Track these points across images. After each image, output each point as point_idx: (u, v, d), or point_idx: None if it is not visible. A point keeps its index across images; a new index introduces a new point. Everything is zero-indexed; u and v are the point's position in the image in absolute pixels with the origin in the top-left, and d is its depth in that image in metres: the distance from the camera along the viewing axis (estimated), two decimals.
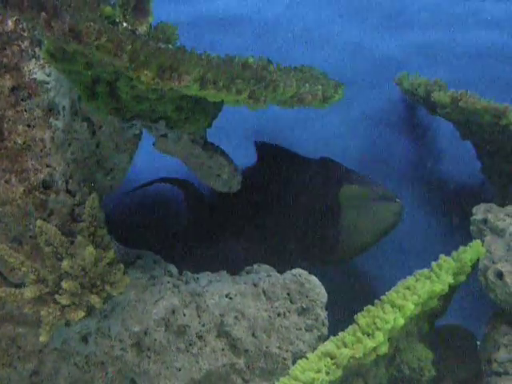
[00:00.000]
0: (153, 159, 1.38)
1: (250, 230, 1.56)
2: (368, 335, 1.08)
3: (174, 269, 1.32)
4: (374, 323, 1.09)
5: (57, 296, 1.10)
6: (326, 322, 1.24)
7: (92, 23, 0.93)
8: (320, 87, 1.15)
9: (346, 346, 1.08)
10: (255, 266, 1.33)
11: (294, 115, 1.54)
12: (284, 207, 1.49)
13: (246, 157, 1.57)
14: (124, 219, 1.63)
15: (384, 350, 1.08)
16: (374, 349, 1.07)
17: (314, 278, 1.26)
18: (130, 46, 0.94)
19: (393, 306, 1.13)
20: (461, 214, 1.41)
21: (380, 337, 1.07)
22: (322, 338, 1.22)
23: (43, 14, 0.93)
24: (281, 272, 1.29)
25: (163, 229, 1.66)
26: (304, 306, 1.23)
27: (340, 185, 1.41)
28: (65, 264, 1.10)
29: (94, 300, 1.11)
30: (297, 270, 1.27)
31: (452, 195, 1.54)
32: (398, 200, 1.38)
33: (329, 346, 1.09)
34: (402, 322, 1.10)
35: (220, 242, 1.62)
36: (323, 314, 1.24)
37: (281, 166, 1.52)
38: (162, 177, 1.62)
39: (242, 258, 1.47)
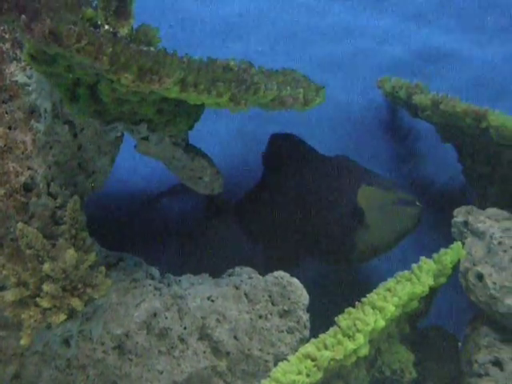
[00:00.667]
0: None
1: (265, 231, 1.56)
2: (349, 337, 1.09)
3: (155, 271, 1.32)
4: (355, 325, 1.10)
5: (38, 299, 1.09)
6: (308, 324, 1.24)
7: (72, 26, 0.93)
8: (301, 90, 1.15)
9: (326, 347, 1.08)
10: (237, 269, 1.33)
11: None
12: (300, 206, 1.47)
13: None
14: (108, 221, 1.62)
15: (364, 351, 1.08)
16: (355, 351, 1.07)
17: (295, 281, 1.26)
18: (110, 49, 0.95)
19: (373, 307, 1.13)
20: (442, 216, 1.41)
21: (360, 339, 1.07)
22: (304, 341, 1.22)
23: (23, 16, 0.93)
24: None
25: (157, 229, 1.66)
26: (286, 309, 1.23)
27: (359, 185, 1.39)
28: (46, 267, 1.09)
29: (76, 303, 1.10)
30: (278, 273, 1.27)
31: (433, 197, 1.55)
32: (418, 203, 1.36)
33: (309, 348, 1.09)
34: (382, 323, 1.10)
35: (237, 244, 1.62)
36: (305, 317, 1.24)
37: (297, 162, 1.50)
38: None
39: (259, 259, 1.46)
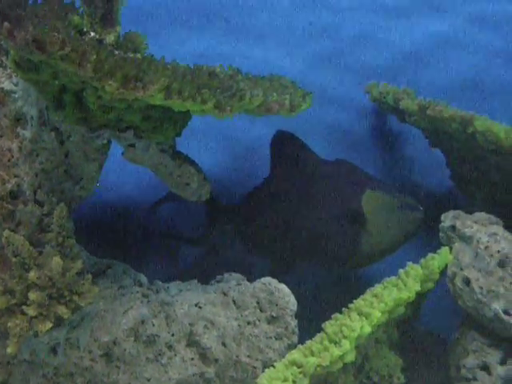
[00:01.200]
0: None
1: (267, 235, 1.55)
2: (335, 343, 1.09)
3: (144, 278, 1.31)
4: (341, 331, 1.10)
5: (24, 307, 1.09)
6: (296, 330, 1.24)
7: (56, 33, 0.93)
8: (287, 96, 1.15)
9: (313, 354, 1.08)
10: (226, 275, 1.33)
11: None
12: (304, 211, 1.47)
13: None
14: (97, 227, 1.62)
15: (351, 358, 1.08)
16: (341, 357, 1.07)
17: (283, 287, 1.26)
18: (94, 56, 0.95)
19: (360, 313, 1.13)
20: (430, 220, 1.41)
21: (346, 345, 1.07)
22: (292, 347, 1.22)
23: (6, 23, 0.93)
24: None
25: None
26: (274, 315, 1.23)
27: (363, 190, 1.40)
28: (32, 275, 1.09)
29: (62, 311, 1.10)
30: (266, 279, 1.27)
31: (422, 202, 1.54)
32: (420, 208, 1.37)
33: (296, 354, 1.09)
34: (368, 329, 1.10)
35: (238, 251, 1.62)
36: (293, 323, 1.24)
37: (299, 165, 1.50)
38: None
39: (259, 264, 1.46)
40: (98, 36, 1.11)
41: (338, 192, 1.42)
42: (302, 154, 1.51)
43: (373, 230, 1.38)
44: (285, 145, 1.54)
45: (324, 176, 1.46)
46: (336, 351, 1.06)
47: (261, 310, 1.24)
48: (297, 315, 1.25)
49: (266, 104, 1.11)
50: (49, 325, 1.09)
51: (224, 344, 1.21)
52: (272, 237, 1.52)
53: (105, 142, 1.24)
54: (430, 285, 1.26)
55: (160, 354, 1.20)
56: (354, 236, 1.39)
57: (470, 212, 1.36)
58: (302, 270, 1.52)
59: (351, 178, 1.43)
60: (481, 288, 1.21)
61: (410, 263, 1.26)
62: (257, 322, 1.23)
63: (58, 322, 1.13)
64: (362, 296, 1.19)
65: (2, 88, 1.20)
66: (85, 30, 1.11)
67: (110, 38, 1.12)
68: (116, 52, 1.04)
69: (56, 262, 1.09)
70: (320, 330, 1.16)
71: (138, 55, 1.11)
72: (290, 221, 1.48)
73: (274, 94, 1.13)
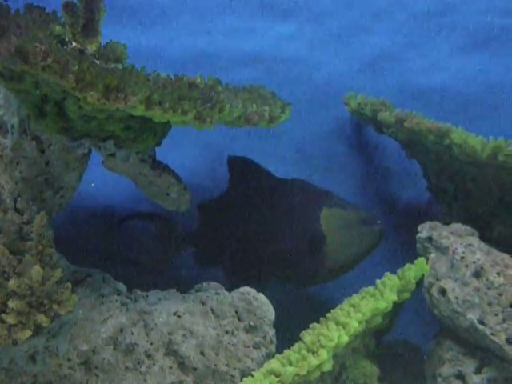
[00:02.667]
0: None
1: (227, 256, 1.57)
2: (313, 353, 1.10)
3: (122, 287, 1.32)
4: (319, 341, 1.11)
5: (3, 315, 1.09)
6: (274, 339, 1.25)
7: (39, 44, 0.93)
8: (267, 108, 1.17)
9: (290, 363, 1.09)
10: (204, 284, 1.34)
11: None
12: (262, 231, 1.49)
13: None
14: (77, 236, 1.63)
15: (328, 367, 1.09)
16: (318, 366, 1.08)
17: (261, 296, 1.27)
18: (76, 67, 0.95)
19: (337, 323, 1.15)
20: (407, 231, 1.43)
21: (324, 354, 1.08)
22: (271, 356, 1.23)
23: None
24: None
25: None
26: (252, 324, 1.24)
27: (321, 208, 1.42)
28: (11, 283, 1.09)
29: (42, 319, 1.10)
30: (244, 289, 1.28)
31: (399, 213, 1.56)
32: (379, 222, 1.40)
33: (274, 363, 1.10)
34: (346, 339, 1.12)
35: (198, 270, 1.63)
36: (271, 332, 1.25)
37: (256, 186, 1.51)
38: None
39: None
40: (79, 46, 1.11)
41: (296, 211, 1.45)
42: (257, 173, 1.53)
43: (332, 247, 1.42)
44: (240, 166, 1.56)
45: (281, 195, 1.49)
46: (314, 360, 1.07)
47: (239, 320, 1.25)
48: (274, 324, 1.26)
49: (246, 115, 1.13)
50: (28, 333, 1.09)
51: (202, 353, 1.21)
52: (233, 256, 1.53)
53: (85, 151, 1.24)
54: (407, 295, 1.27)
55: (139, 363, 1.20)
56: (314, 254, 1.41)
57: (447, 223, 1.38)
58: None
59: (308, 196, 1.46)
60: (456, 298, 1.23)
61: (387, 273, 1.28)
62: (235, 332, 1.24)
63: (38, 330, 1.12)
64: (339, 305, 1.21)
65: None
66: (66, 39, 1.12)
67: (91, 48, 1.13)
68: (97, 62, 1.05)
69: (36, 270, 1.09)
70: (298, 339, 1.17)
71: (120, 65, 1.12)
72: (250, 240, 1.50)
73: (254, 106, 1.15)
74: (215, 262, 1.59)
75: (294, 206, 1.45)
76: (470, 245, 1.28)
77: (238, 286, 1.30)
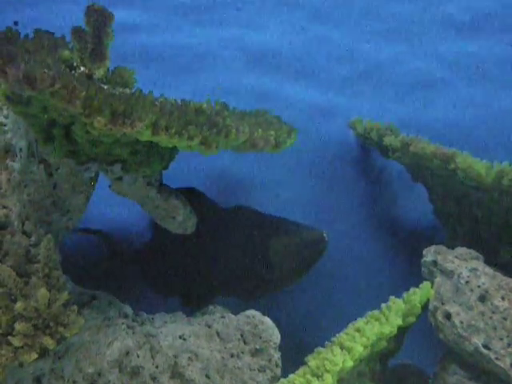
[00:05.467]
0: None
1: (175, 277, 1.58)
2: (317, 377, 1.10)
3: (129, 309, 1.32)
4: (324, 365, 1.11)
5: (10, 337, 1.09)
6: (280, 362, 1.25)
7: (46, 70, 0.95)
8: (273, 132, 1.17)
9: None
10: (210, 307, 1.35)
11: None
12: (213, 255, 1.51)
13: None
14: (84, 258, 1.63)
15: None
16: None
17: (267, 320, 1.27)
18: (83, 93, 0.96)
19: (342, 347, 1.15)
20: (413, 255, 1.43)
21: (329, 379, 1.08)
22: (276, 379, 1.23)
23: None
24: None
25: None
26: (257, 347, 1.24)
27: (268, 235, 1.46)
28: (18, 305, 1.10)
29: (48, 341, 1.10)
30: (250, 312, 1.29)
31: (404, 237, 1.56)
32: (324, 236, 1.45)
33: None
34: (350, 363, 1.12)
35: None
36: (276, 355, 1.25)
37: (201, 214, 1.51)
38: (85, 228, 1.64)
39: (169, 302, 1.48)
40: (87, 71, 1.13)
41: (245, 238, 1.48)
42: (201, 203, 1.54)
43: (280, 270, 1.46)
44: (186, 196, 1.57)
45: (228, 223, 1.51)
46: None
47: (244, 343, 1.25)
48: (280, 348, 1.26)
49: (252, 140, 1.14)
50: (34, 355, 1.09)
51: (208, 376, 1.21)
52: (182, 278, 1.55)
53: (92, 174, 1.25)
54: (412, 319, 1.27)
55: None
56: (262, 277, 1.45)
57: (452, 247, 1.38)
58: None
59: (254, 223, 1.50)
60: (461, 322, 1.23)
61: (392, 297, 1.28)
62: (240, 355, 1.24)
63: (44, 352, 1.13)
64: (344, 330, 1.21)
65: None
66: (75, 64, 1.13)
67: (99, 73, 1.14)
68: (105, 87, 1.06)
69: (42, 293, 1.10)
70: (303, 363, 1.17)
71: (127, 90, 1.13)
72: (201, 263, 1.52)
73: (260, 130, 1.15)
74: (164, 282, 1.60)
75: (242, 232, 1.49)
76: (474, 269, 1.28)
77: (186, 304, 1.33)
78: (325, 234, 1.44)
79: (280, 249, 1.44)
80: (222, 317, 1.29)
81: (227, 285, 1.50)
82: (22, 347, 1.10)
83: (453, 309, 1.25)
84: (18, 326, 1.09)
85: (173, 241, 1.53)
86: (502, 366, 1.17)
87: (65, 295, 1.15)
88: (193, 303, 1.49)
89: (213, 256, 1.50)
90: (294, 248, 1.44)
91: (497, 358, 1.18)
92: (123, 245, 1.66)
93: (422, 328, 1.35)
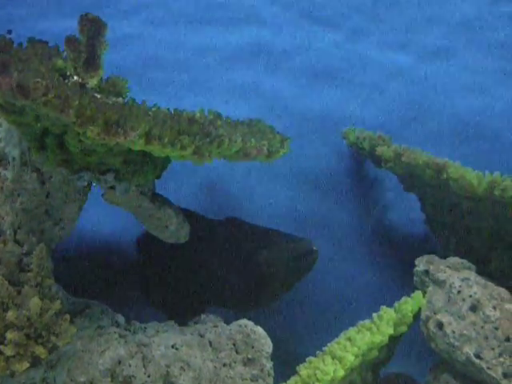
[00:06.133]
0: None
1: (169, 292, 1.58)
2: None
3: (121, 319, 1.32)
4: (315, 374, 1.11)
5: (2, 347, 1.09)
6: (272, 372, 1.25)
7: (40, 79, 0.95)
8: (266, 142, 1.18)
9: None
10: (203, 317, 1.34)
11: None
12: (203, 268, 1.52)
13: None
14: (76, 267, 1.63)
15: None
16: None
17: (259, 329, 1.27)
18: (76, 102, 0.97)
19: (333, 357, 1.15)
20: (405, 265, 1.43)
21: None
22: None
23: None
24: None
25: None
26: (249, 357, 1.24)
27: (261, 247, 1.47)
28: (10, 315, 1.09)
29: (40, 351, 1.10)
30: (243, 321, 1.28)
31: (396, 246, 1.57)
32: (314, 248, 1.46)
33: None
34: (341, 373, 1.12)
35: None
36: (268, 365, 1.25)
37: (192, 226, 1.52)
38: None
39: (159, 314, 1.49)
40: (80, 80, 1.13)
41: (236, 250, 1.50)
42: (193, 217, 1.54)
43: (271, 281, 1.47)
44: None
45: (218, 235, 1.52)
46: None
47: (237, 352, 1.25)
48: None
49: (245, 150, 1.14)
50: (26, 364, 1.09)
51: None
52: (172, 289, 1.56)
53: (85, 183, 1.25)
54: (404, 328, 1.27)
55: None
56: (253, 288, 1.48)
57: (444, 256, 1.39)
58: None
59: (246, 235, 1.51)
60: (453, 332, 1.23)
61: (383, 307, 1.28)
62: (232, 364, 1.24)
63: (35, 361, 1.13)
64: (335, 339, 1.21)
65: None
66: (68, 73, 1.13)
67: (92, 82, 1.14)
68: (98, 96, 1.06)
69: (34, 302, 1.10)
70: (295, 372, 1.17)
71: (120, 99, 1.14)
72: (191, 275, 1.53)
73: (253, 140, 1.16)
74: (155, 293, 1.61)
75: (235, 245, 1.50)
76: (466, 278, 1.28)
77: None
78: (315, 247, 1.45)
79: (271, 260, 1.44)
80: (215, 326, 1.29)
81: (218, 297, 1.51)
82: (14, 356, 1.10)
83: (445, 318, 1.25)
84: (9, 335, 1.09)
85: (164, 252, 1.53)
86: (494, 375, 1.17)
87: (57, 304, 1.15)
88: (183, 315, 1.49)
89: (203, 268, 1.50)
90: (285, 259, 1.45)
91: (488, 368, 1.18)
92: (114, 255, 1.66)
93: (414, 337, 1.36)
